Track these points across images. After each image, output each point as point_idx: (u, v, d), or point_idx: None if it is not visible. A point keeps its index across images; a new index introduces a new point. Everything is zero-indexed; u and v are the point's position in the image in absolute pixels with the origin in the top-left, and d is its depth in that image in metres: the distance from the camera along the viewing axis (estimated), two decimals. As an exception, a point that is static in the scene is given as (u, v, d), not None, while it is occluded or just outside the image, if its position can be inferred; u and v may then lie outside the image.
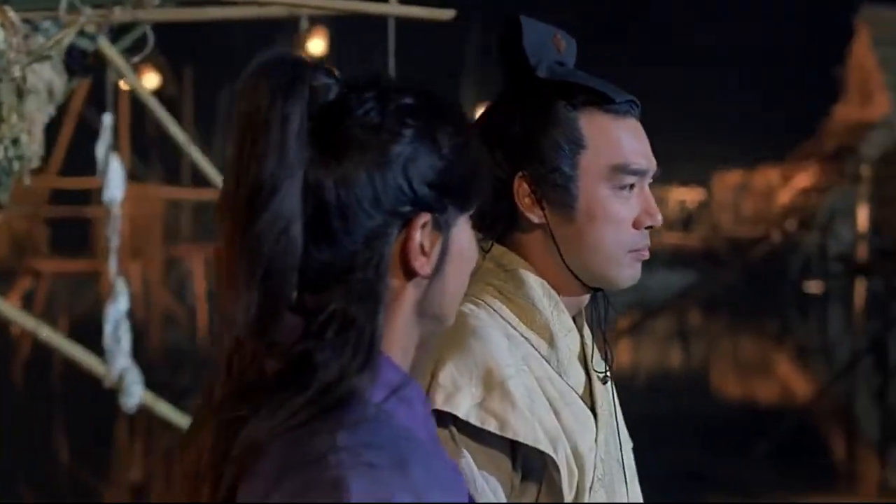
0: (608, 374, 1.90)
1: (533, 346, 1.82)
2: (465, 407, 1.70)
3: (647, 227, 1.86)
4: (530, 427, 1.71)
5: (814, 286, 31.33)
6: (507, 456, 1.72)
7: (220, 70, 20.41)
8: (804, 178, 39.22)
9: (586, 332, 1.92)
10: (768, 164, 41.46)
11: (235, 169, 1.22)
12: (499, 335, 1.78)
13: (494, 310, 1.83)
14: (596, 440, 1.82)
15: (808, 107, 45.20)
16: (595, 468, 1.80)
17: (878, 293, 23.19)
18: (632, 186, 1.84)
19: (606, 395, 1.88)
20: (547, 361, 1.82)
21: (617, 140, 1.83)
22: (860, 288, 22.88)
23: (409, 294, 1.30)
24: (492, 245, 1.87)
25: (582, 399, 1.84)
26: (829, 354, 21.12)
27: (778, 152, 41.96)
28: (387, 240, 1.26)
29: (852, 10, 38.33)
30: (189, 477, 1.27)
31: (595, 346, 1.91)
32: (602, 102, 1.83)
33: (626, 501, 1.89)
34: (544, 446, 1.72)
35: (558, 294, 1.86)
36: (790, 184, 39.77)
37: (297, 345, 1.22)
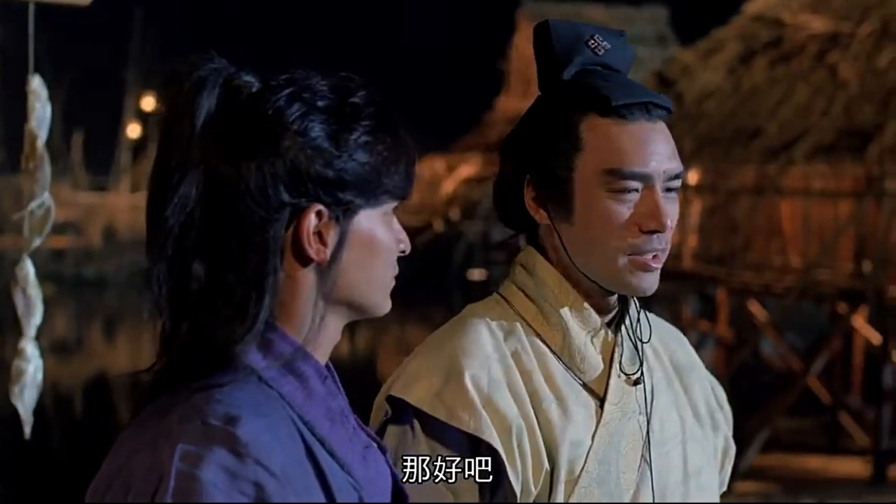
0: (641, 375, 1.90)
1: (544, 340, 1.86)
2: (417, 395, 1.77)
3: (651, 232, 1.81)
4: (476, 418, 1.76)
5: (477, 274, 32.09)
6: (462, 449, 1.76)
7: None
8: (467, 169, 40.13)
9: (624, 332, 1.91)
10: (434, 154, 42.14)
11: (154, 160, 1.38)
12: (483, 328, 1.85)
13: (511, 304, 1.89)
14: (594, 435, 1.83)
15: (472, 99, 46.39)
16: (585, 464, 1.81)
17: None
18: (635, 190, 1.81)
19: (633, 396, 1.89)
20: (559, 356, 1.85)
21: (614, 144, 1.80)
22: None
23: (308, 278, 1.42)
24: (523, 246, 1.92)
25: (596, 396, 1.86)
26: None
27: (443, 143, 42.73)
28: (274, 226, 1.38)
29: (515, 5, 39.48)
30: None
31: (636, 348, 1.92)
32: (604, 106, 1.81)
33: (646, 502, 1.87)
34: (487, 436, 1.75)
35: (581, 294, 1.87)
36: (454, 174, 40.60)
37: (202, 319, 1.37)
